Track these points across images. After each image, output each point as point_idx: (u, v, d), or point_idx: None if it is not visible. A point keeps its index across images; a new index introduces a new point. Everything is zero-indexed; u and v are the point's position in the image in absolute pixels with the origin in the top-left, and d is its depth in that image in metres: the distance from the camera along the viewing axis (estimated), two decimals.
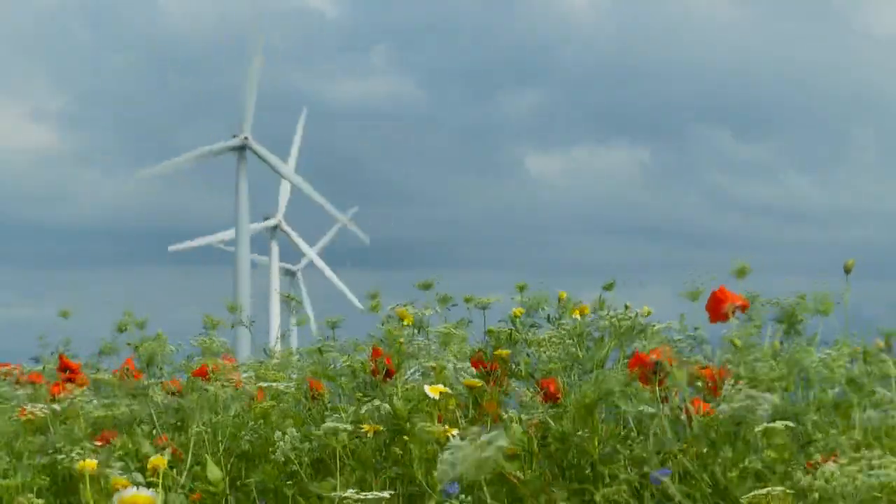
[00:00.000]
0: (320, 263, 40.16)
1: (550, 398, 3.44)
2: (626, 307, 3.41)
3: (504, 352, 3.54)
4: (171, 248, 39.12)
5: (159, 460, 2.43)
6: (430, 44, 74.22)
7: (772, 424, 2.57)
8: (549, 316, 3.74)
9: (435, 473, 3.24)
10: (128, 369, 4.25)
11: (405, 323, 3.60)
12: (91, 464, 2.35)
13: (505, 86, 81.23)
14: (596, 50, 72.38)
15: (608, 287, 3.66)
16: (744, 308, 3.06)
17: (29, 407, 3.85)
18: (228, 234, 36.21)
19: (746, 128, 72.93)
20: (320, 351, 3.93)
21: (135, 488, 2.12)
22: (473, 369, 3.56)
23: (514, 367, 3.61)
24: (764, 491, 2.24)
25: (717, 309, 3.08)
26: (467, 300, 3.94)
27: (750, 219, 66.74)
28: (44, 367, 4.83)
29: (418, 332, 3.73)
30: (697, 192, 70.39)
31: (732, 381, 2.76)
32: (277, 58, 65.50)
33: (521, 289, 3.86)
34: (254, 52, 34.44)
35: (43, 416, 3.75)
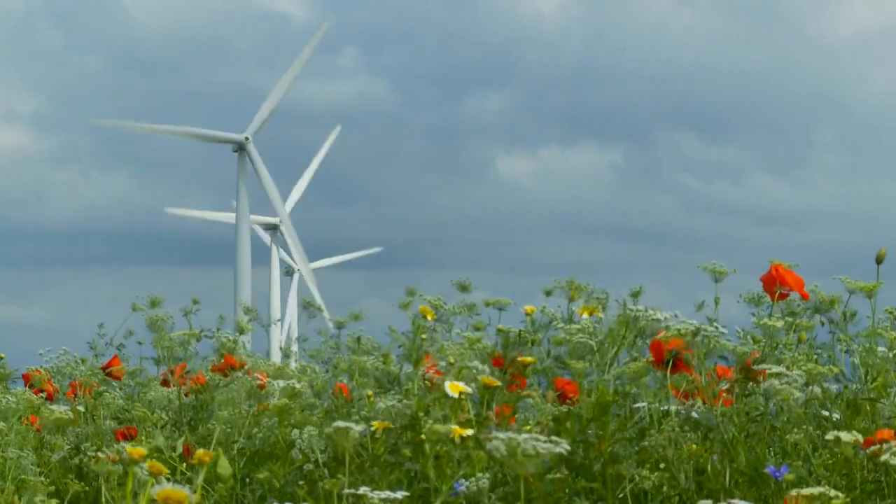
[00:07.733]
0: (309, 277, 39.92)
1: (566, 399, 3.43)
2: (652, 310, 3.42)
3: (528, 359, 3.53)
4: (169, 210, 38.98)
5: (205, 454, 2.43)
6: (399, 46, 74.40)
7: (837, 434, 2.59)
8: (564, 315, 3.75)
9: (446, 471, 3.24)
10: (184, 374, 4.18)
11: (428, 318, 3.59)
12: (140, 451, 2.34)
13: (474, 88, 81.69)
14: (564, 52, 72.58)
15: (635, 294, 3.68)
16: (802, 295, 3.07)
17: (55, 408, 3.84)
18: (229, 215, 36.00)
19: (714, 130, 73.77)
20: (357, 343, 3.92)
21: (169, 483, 2.13)
22: (488, 369, 3.54)
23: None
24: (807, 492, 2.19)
25: (768, 286, 3.09)
26: (487, 304, 3.98)
27: (721, 220, 67.21)
28: (96, 356, 4.69)
29: (448, 331, 3.74)
30: (668, 194, 70.85)
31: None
32: (245, 60, 66.06)
33: (549, 293, 3.89)
34: (302, 58, 33.94)
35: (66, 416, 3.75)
